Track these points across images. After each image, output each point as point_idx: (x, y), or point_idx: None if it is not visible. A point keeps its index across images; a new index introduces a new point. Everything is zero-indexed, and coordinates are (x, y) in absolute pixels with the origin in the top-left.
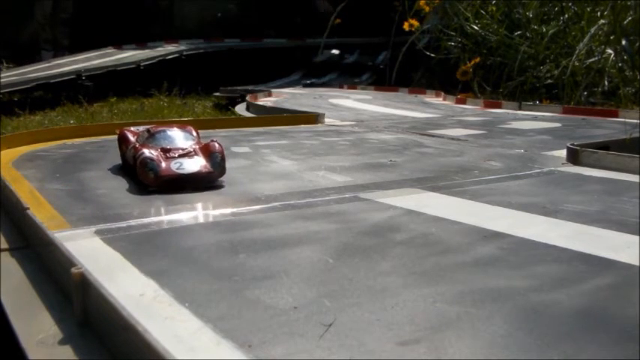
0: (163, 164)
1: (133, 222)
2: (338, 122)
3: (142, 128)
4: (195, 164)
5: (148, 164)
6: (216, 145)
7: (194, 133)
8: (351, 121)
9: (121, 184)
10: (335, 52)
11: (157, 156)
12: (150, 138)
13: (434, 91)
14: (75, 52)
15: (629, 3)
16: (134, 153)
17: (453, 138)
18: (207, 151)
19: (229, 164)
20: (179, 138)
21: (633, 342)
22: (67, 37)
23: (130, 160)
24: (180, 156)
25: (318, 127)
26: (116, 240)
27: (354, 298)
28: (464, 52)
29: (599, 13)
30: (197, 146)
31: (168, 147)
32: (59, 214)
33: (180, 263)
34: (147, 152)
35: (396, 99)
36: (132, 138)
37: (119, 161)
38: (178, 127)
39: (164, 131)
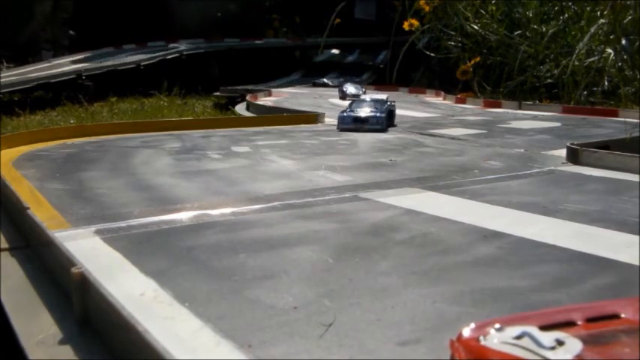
0: None
1: (133, 222)
2: None
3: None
4: None
5: None
6: None
7: None
8: None
9: (121, 184)
10: (335, 51)
11: None
12: None
13: (434, 91)
14: (75, 52)
15: (628, 2)
16: None
17: (453, 137)
18: None
19: (229, 164)
20: None
21: None
22: (67, 37)
23: None
24: None
25: (318, 126)
26: (116, 240)
27: (354, 298)
28: (464, 52)
29: (598, 13)
30: None
31: None
32: (59, 214)
33: (181, 263)
34: None
35: (396, 98)
36: None
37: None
38: None
39: None
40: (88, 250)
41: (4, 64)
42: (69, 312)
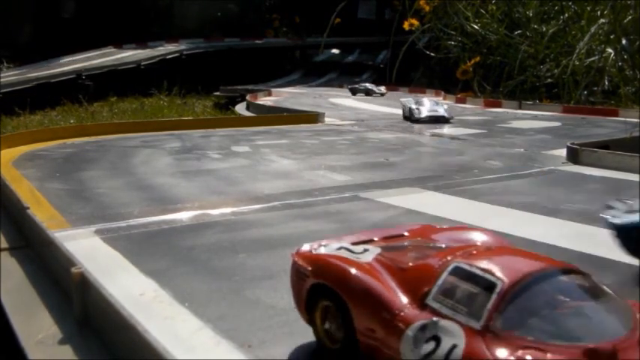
0: None
1: (132, 221)
2: (338, 121)
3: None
4: None
5: None
6: None
7: None
8: (351, 120)
9: (121, 183)
10: (335, 51)
11: None
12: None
13: (434, 91)
14: (75, 52)
15: (629, 2)
16: None
17: (453, 137)
18: None
19: (229, 163)
20: None
21: None
22: (68, 37)
23: None
24: None
25: (318, 126)
26: (116, 239)
27: None
28: (464, 52)
29: (599, 13)
30: None
31: None
32: (59, 214)
33: (181, 263)
34: None
35: (396, 98)
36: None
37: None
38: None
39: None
40: (88, 250)
41: (4, 64)
42: (69, 312)
